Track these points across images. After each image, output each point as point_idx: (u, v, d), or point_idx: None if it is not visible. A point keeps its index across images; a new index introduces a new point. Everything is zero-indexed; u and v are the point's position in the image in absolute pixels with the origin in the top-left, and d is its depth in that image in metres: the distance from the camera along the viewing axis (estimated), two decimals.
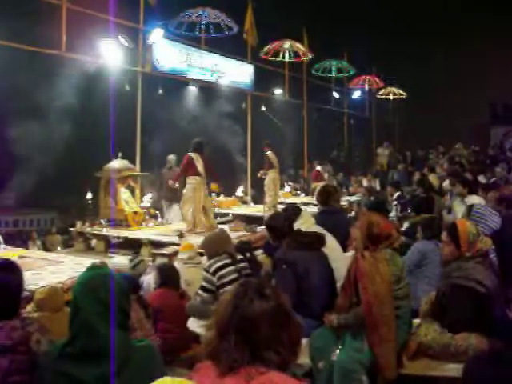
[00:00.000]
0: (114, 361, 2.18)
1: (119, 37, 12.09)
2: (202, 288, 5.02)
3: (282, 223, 5.07)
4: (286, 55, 18.78)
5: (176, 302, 5.24)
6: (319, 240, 4.85)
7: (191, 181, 10.62)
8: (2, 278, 2.40)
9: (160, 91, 14.33)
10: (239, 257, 5.19)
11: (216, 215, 14.05)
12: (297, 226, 5.33)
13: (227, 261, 5.01)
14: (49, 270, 7.86)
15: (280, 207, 12.85)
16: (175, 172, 11.72)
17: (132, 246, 10.18)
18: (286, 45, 18.35)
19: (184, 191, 10.75)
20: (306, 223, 5.57)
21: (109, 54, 11.66)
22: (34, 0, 10.64)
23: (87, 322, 2.20)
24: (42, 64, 11.21)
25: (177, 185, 11.17)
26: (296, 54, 19.04)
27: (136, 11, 12.92)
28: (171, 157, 13.06)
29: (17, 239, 12.02)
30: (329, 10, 22.24)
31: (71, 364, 2.20)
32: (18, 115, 11.48)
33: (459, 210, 7.96)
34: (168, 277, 5.40)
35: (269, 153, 13.98)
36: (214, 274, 4.93)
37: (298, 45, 18.69)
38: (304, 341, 4.06)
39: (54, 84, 11.36)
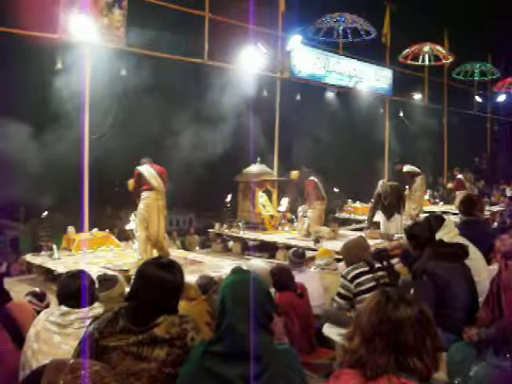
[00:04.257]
0: (257, 363, 2.24)
1: (258, 44, 12.35)
2: (339, 294, 4.97)
3: (424, 232, 4.91)
4: (426, 58, 18.28)
5: (296, 304, 5.17)
6: (462, 251, 4.64)
7: (319, 206, 10.90)
8: (164, 276, 2.55)
9: (298, 97, 14.46)
10: (377, 265, 5.09)
11: (351, 221, 13.99)
12: (439, 235, 5.13)
13: (365, 268, 4.92)
14: (189, 269, 8.16)
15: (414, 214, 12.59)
16: None
17: (268, 249, 10.35)
18: (426, 48, 17.88)
19: (311, 215, 10.85)
20: (449, 233, 5.32)
21: (248, 61, 11.97)
22: (179, 12, 11.16)
23: (233, 325, 2.28)
24: (186, 72, 11.73)
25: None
26: (436, 57, 18.50)
27: (274, 18, 13.15)
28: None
29: None
30: (471, 10, 21.33)
31: (216, 361, 2.29)
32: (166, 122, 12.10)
33: None
34: (281, 280, 5.32)
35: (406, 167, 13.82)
36: (351, 281, 4.87)
37: (439, 47, 18.16)
38: (442, 355, 3.92)
39: (198, 91, 11.87)
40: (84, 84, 9.73)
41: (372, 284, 4.83)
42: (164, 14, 11.08)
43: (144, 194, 8.44)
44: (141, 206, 8.44)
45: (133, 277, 2.68)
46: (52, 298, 4.35)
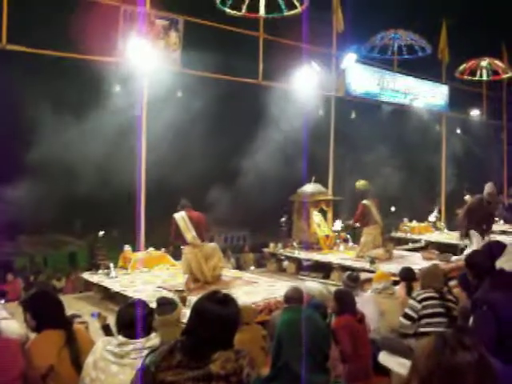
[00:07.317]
0: None
1: (312, 63, 12.36)
2: (405, 315, 5.15)
3: (483, 260, 4.78)
4: (484, 73, 17.90)
5: (354, 328, 5.10)
6: None
7: (371, 231, 10.47)
8: (221, 313, 2.55)
9: (353, 115, 14.40)
10: (449, 297, 5.23)
11: (407, 241, 13.74)
12: (499, 263, 4.98)
13: (433, 294, 5.13)
14: (243, 289, 8.14)
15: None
16: None
17: (322, 269, 10.25)
18: (484, 62, 17.51)
19: (363, 239, 10.53)
20: (510, 261, 5.19)
21: (303, 80, 11.98)
22: (235, 34, 11.29)
23: (289, 364, 2.27)
24: (240, 93, 11.84)
25: (357, 225, 10.97)
26: (495, 72, 18.10)
27: (329, 37, 13.15)
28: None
29: None
30: None
31: None
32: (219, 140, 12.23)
33: None
34: (345, 303, 5.27)
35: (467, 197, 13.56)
36: (420, 302, 5.09)
37: (497, 61, 17.72)
38: None
39: (253, 111, 11.94)
40: (141, 106, 9.94)
41: (439, 310, 5.06)
42: (219, 36, 11.24)
43: (183, 248, 8.42)
44: (183, 258, 8.41)
45: (189, 307, 2.70)
46: (109, 317, 4.40)
